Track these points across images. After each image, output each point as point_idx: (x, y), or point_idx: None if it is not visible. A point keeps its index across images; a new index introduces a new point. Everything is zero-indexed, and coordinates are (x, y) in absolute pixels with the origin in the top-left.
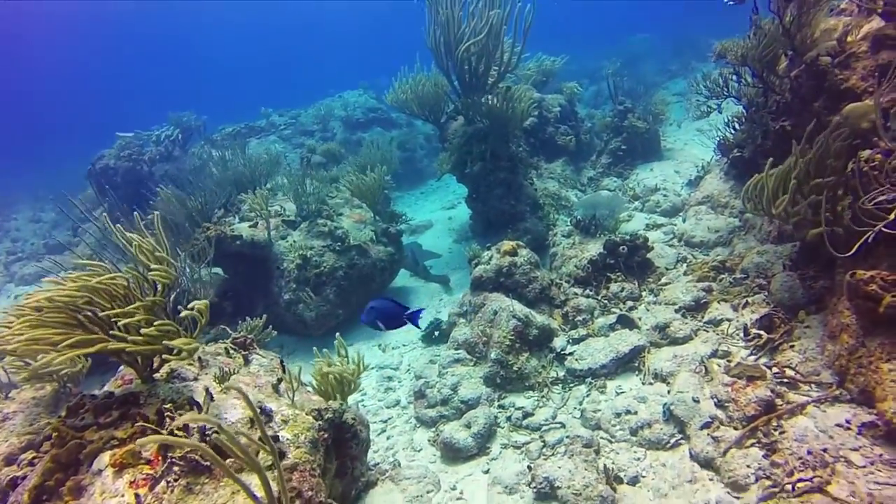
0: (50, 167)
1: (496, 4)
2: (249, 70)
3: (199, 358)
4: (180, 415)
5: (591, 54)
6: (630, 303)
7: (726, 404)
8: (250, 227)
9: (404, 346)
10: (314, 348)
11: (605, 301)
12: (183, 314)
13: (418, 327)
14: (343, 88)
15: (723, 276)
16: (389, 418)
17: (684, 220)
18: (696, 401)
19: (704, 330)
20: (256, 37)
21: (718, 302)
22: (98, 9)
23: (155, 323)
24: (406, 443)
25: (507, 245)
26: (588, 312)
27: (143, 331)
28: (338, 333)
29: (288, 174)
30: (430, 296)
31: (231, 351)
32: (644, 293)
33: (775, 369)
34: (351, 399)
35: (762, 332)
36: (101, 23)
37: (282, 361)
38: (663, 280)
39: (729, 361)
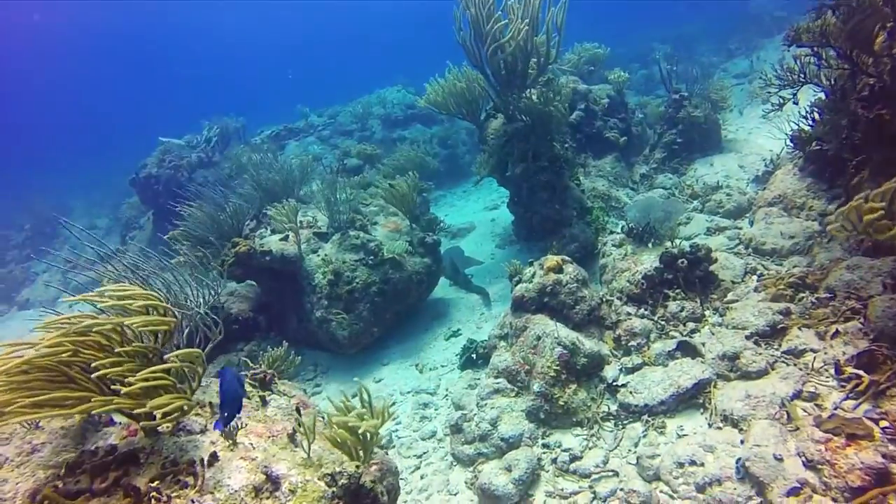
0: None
1: None
2: (287, 69)
3: (211, 403)
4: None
5: (639, 34)
6: (691, 325)
7: (819, 467)
8: (281, 239)
9: (442, 366)
10: (327, 397)
11: (663, 322)
12: (167, 365)
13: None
14: (382, 86)
15: (803, 294)
16: (424, 453)
17: (751, 224)
18: (779, 458)
19: (783, 362)
20: (293, 36)
21: (799, 328)
22: (131, 9)
23: (137, 377)
24: (441, 484)
25: (551, 260)
26: (643, 336)
27: (124, 390)
28: (357, 380)
29: (322, 180)
30: (471, 309)
31: (252, 387)
32: (707, 312)
33: (884, 423)
34: (384, 429)
35: (861, 373)
36: (136, 25)
37: (297, 409)
38: (730, 297)
39: (818, 406)
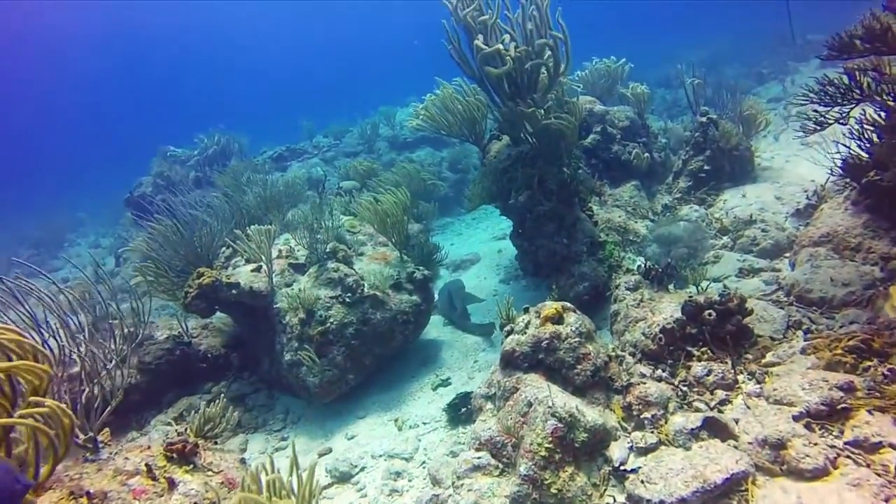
0: (117, 186)
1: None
2: (295, 89)
3: (105, 493)
4: None
5: (662, 56)
6: (721, 393)
7: None
8: (253, 270)
9: (424, 424)
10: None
11: (685, 389)
12: (15, 421)
13: None
14: (394, 104)
15: (869, 363)
16: None
17: (793, 266)
18: None
19: (850, 458)
20: (304, 54)
21: (868, 410)
22: (148, 23)
23: None
24: None
25: (549, 308)
26: (660, 406)
27: None
28: (266, 454)
29: (313, 203)
30: (465, 354)
31: (167, 460)
32: (741, 377)
33: None
34: (347, 501)
35: None
36: (152, 38)
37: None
38: (769, 358)
39: None
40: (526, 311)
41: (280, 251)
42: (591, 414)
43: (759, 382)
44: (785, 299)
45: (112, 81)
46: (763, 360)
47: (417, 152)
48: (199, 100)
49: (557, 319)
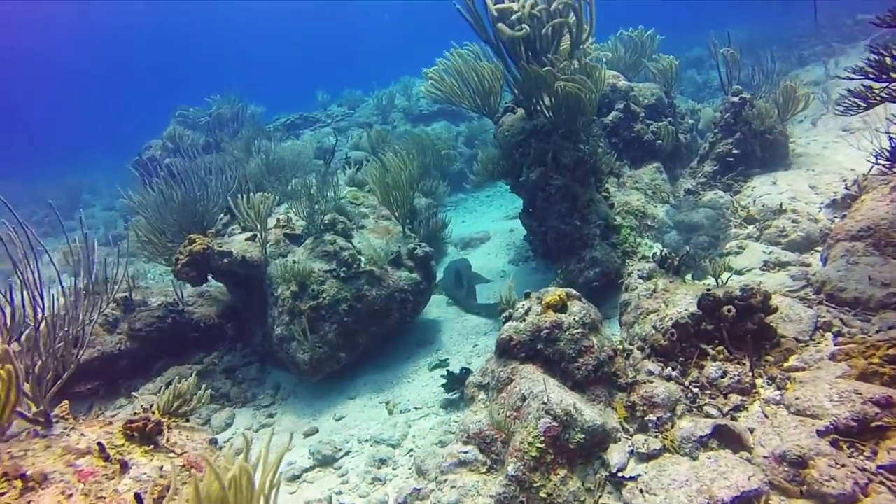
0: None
1: None
2: (313, 61)
3: (45, 474)
4: None
5: (697, 37)
6: (735, 398)
7: None
8: (248, 239)
9: (416, 408)
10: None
11: (696, 390)
12: None
13: None
14: (414, 77)
15: None
16: None
17: (825, 261)
18: None
19: (884, 483)
20: (317, 27)
21: None
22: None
23: None
24: None
25: (552, 295)
26: (667, 408)
27: None
28: (244, 433)
29: (317, 171)
30: (465, 336)
31: (126, 439)
32: (759, 381)
33: None
34: (328, 486)
35: None
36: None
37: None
38: (793, 361)
39: None
40: (527, 296)
41: (279, 220)
42: (590, 413)
43: (779, 388)
44: (814, 297)
45: (137, 47)
46: (786, 364)
47: (433, 125)
48: (224, 67)
49: (560, 307)
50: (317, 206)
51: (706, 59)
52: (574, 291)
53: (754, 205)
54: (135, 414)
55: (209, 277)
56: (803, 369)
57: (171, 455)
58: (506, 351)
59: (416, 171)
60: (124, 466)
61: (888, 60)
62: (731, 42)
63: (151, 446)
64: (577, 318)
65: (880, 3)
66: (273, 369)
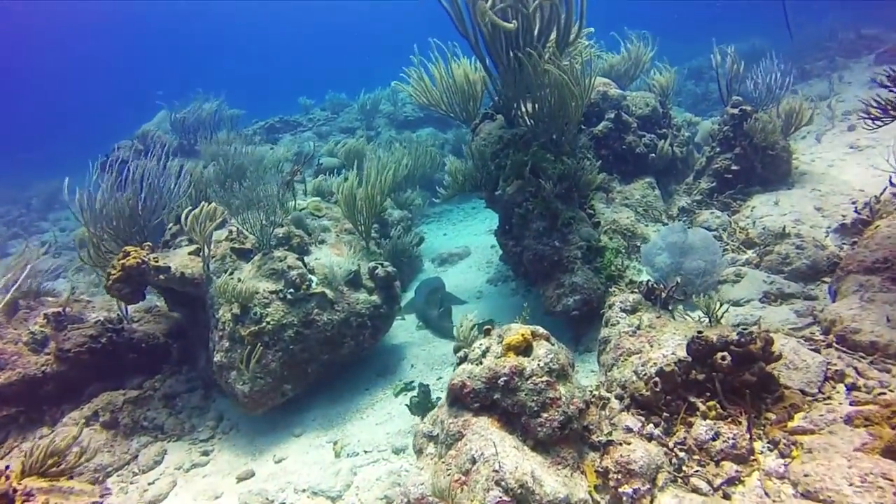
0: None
1: None
2: (297, 64)
3: None
4: None
5: (696, 49)
6: (730, 467)
7: None
8: (192, 253)
9: (366, 451)
10: None
11: (682, 455)
12: None
13: None
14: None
15: None
16: None
17: (833, 295)
18: None
19: None
20: (305, 30)
21: None
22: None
23: None
24: None
25: (515, 335)
26: (646, 478)
27: None
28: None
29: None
30: (430, 367)
31: None
32: (758, 446)
33: None
34: None
35: None
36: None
37: None
38: (799, 422)
39: None
40: (487, 332)
41: (230, 232)
42: (552, 483)
43: (783, 456)
44: (821, 338)
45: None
46: (790, 424)
47: (419, 132)
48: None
49: (524, 349)
50: (274, 218)
51: (706, 70)
52: (541, 330)
53: (754, 227)
54: None
55: (145, 295)
56: (812, 432)
57: None
58: (458, 399)
59: (387, 181)
60: None
61: None
62: (733, 53)
63: None
64: (542, 364)
65: (884, 19)
66: (218, 396)
